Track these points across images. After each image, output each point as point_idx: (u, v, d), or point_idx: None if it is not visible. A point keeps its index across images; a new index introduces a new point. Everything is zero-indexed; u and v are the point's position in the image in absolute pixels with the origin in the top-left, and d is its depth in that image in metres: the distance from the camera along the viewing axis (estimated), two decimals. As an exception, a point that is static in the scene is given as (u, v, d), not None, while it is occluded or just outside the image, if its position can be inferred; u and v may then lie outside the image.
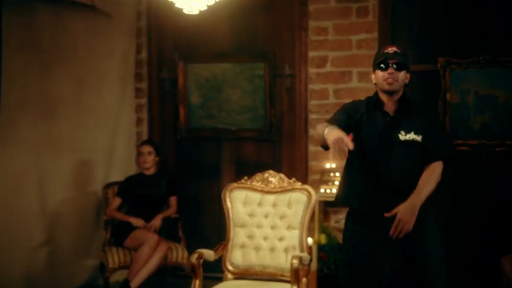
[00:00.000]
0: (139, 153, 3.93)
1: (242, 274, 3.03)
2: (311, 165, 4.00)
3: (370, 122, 2.35)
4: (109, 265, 3.54)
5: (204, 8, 2.69)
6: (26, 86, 3.58)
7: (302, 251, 2.91)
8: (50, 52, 3.70)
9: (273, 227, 3.05)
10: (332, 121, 2.35)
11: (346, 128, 2.24)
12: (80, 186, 3.93)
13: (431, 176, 2.25)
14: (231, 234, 3.08)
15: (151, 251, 3.51)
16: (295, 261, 2.64)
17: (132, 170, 4.23)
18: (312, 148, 3.97)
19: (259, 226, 3.07)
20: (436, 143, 2.29)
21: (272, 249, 3.01)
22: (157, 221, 3.70)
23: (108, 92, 4.05)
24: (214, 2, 2.67)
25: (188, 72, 4.25)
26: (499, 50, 3.56)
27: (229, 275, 3.00)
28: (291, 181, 3.06)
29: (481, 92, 3.59)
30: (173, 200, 3.89)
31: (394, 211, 2.17)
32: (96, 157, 4.01)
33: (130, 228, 3.65)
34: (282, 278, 2.94)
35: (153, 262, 3.50)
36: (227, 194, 3.15)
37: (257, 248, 3.03)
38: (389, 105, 2.35)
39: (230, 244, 3.06)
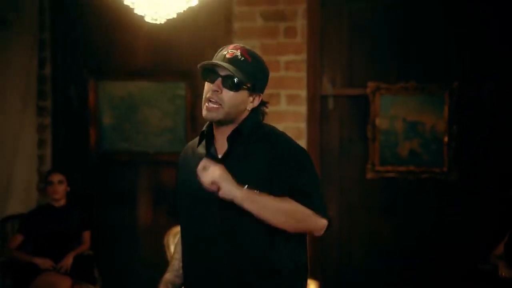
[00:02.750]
0: (47, 183, 3.37)
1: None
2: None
3: (193, 170, 1.40)
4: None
5: (173, 16, 2.29)
6: None
7: None
8: None
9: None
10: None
11: None
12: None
13: (293, 207, 1.35)
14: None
15: None
16: None
17: (34, 199, 3.72)
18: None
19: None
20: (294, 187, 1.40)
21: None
22: (68, 261, 3.27)
23: (4, 111, 3.47)
24: (185, 8, 2.29)
25: (100, 90, 3.78)
26: (427, 77, 3.48)
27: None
28: None
29: (409, 118, 3.46)
30: (86, 235, 3.46)
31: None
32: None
33: (36, 271, 3.17)
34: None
35: None
36: (171, 240, 2.79)
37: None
38: (221, 141, 1.49)
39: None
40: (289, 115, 3.51)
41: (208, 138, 1.50)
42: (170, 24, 3.62)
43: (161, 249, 3.36)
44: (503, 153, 3.40)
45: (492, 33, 3.41)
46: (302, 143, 3.48)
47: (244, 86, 1.44)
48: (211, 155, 1.45)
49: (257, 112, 1.54)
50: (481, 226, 3.39)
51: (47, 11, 3.73)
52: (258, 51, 3.52)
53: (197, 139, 1.55)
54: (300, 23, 3.54)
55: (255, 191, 1.35)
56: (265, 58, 3.62)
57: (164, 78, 3.77)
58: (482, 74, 3.46)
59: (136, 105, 3.77)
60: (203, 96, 1.45)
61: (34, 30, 3.65)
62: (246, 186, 1.33)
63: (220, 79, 1.42)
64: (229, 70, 1.40)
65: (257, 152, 1.44)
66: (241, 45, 1.52)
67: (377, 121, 3.46)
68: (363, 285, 3.52)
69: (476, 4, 3.43)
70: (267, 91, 3.71)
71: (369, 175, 3.51)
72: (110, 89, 3.78)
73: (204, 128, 1.52)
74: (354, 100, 3.58)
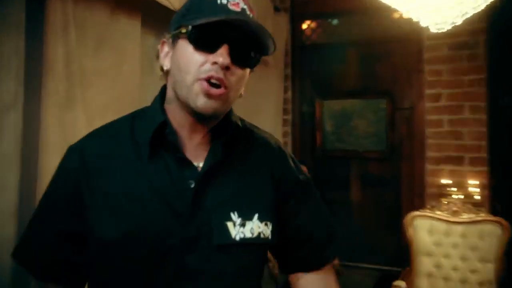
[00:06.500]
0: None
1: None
2: (427, 180, 4.39)
3: (144, 189, 0.92)
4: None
5: (449, 27, 2.32)
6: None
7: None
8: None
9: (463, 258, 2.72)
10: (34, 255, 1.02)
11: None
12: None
13: None
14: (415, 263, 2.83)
15: None
16: None
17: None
18: (430, 166, 4.38)
19: (446, 256, 2.73)
20: (318, 232, 1.10)
21: (463, 281, 2.67)
22: None
23: (266, 123, 4.63)
24: (461, 17, 2.24)
25: (323, 106, 4.90)
26: None
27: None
28: (480, 213, 2.80)
29: None
30: None
31: None
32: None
33: None
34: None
35: None
36: (408, 221, 3.00)
37: (446, 279, 2.71)
38: (193, 140, 0.98)
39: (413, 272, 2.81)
40: (470, 121, 4.15)
41: (165, 139, 0.90)
42: (372, 56, 4.62)
43: (369, 220, 4.31)
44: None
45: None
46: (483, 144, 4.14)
47: (260, 60, 0.88)
48: (186, 161, 0.88)
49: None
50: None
51: (289, 54, 4.97)
52: (444, 73, 4.32)
53: (112, 127, 0.95)
54: (481, 50, 4.12)
55: None
56: (452, 77, 4.37)
57: (369, 96, 4.71)
58: None
59: (349, 116, 4.79)
60: (187, 72, 0.86)
61: (281, 68, 4.89)
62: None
63: (227, 46, 0.83)
64: (253, 32, 0.82)
65: (256, 164, 0.94)
66: None
67: None
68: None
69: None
70: (453, 102, 4.46)
71: None
72: (330, 105, 4.86)
73: (163, 116, 0.92)
74: None
